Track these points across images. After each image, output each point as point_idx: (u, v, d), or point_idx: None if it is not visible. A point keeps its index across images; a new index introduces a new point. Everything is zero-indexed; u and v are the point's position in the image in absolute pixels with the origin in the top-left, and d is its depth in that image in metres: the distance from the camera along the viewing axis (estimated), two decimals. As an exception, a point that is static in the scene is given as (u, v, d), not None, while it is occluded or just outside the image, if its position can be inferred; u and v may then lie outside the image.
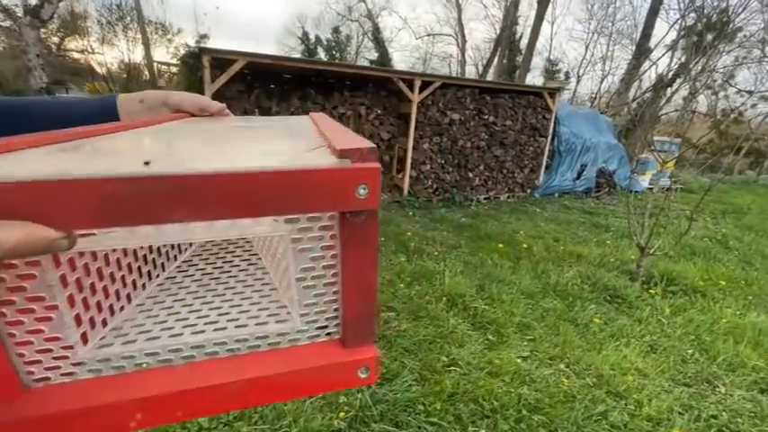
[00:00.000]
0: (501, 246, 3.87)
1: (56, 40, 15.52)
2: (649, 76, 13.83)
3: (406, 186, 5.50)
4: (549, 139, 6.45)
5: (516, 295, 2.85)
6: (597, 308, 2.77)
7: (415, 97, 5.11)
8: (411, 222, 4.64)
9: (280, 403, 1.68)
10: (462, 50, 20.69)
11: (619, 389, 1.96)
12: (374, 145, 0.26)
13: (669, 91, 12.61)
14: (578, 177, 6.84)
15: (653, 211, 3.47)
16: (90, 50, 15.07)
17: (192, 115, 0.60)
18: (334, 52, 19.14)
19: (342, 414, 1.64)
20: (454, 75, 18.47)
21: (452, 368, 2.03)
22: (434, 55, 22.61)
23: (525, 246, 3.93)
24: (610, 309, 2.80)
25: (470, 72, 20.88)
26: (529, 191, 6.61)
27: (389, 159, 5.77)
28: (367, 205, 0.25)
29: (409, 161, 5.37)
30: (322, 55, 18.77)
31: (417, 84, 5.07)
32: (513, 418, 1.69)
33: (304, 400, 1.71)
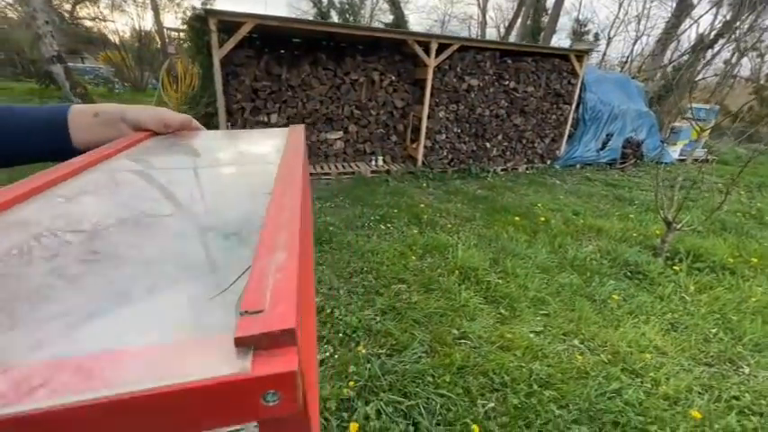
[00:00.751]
0: (517, 219, 3.75)
1: (68, 7, 15.34)
2: (689, 36, 12.68)
3: (420, 157, 5.34)
4: (574, 106, 6.06)
5: (531, 269, 2.78)
6: (616, 284, 2.68)
7: (432, 61, 4.83)
8: (425, 194, 4.54)
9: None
10: (483, 11, 19.38)
11: (635, 366, 1.90)
12: (292, 325, 0.17)
13: (710, 53, 11.57)
14: (603, 148, 6.48)
15: (683, 183, 3.25)
16: (101, 17, 14.86)
17: (156, 133, 0.54)
18: (347, 15, 18.25)
19: (351, 383, 1.66)
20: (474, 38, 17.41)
21: (463, 341, 2.01)
22: (453, 16, 21.31)
23: (543, 219, 3.79)
24: (630, 285, 2.70)
25: (491, 35, 19.65)
26: (549, 162, 6.34)
27: (404, 128, 5.58)
28: (281, 413, 0.17)
29: (424, 130, 5.18)
30: (335, 18, 17.95)
31: (434, 47, 4.77)
32: (523, 393, 1.67)
33: (320, 376, 1.73)
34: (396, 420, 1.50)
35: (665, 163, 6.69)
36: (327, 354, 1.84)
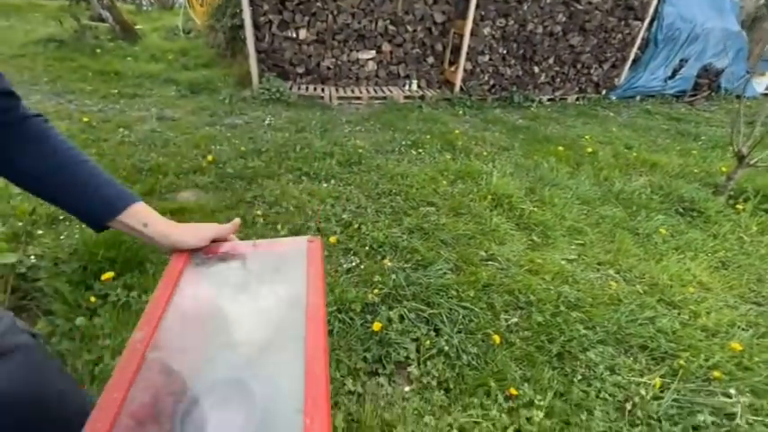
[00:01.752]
0: (560, 149, 3.45)
1: None
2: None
3: (458, 82, 4.90)
4: (647, 22, 5.15)
5: (571, 200, 2.60)
6: (665, 219, 2.47)
7: (481, -37, 4.14)
8: (460, 122, 4.24)
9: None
10: None
11: (674, 299, 1.80)
12: None
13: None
14: (673, 76, 5.62)
15: (765, 120, 2.77)
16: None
17: (199, 249, 0.60)
18: None
19: (376, 291, 1.70)
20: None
21: (490, 263, 1.97)
22: None
23: (590, 150, 3.46)
24: (681, 221, 2.48)
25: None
26: (604, 92, 5.64)
27: (442, 48, 5.06)
28: None
29: (465, 50, 4.66)
30: None
31: (485, -57, 4.04)
32: (549, 312, 1.64)
33: (340, 275, 1.78)
34: (417, 325, 1.54)
35: (747, 97, 5.77)
36: (353, 264, 1.88)
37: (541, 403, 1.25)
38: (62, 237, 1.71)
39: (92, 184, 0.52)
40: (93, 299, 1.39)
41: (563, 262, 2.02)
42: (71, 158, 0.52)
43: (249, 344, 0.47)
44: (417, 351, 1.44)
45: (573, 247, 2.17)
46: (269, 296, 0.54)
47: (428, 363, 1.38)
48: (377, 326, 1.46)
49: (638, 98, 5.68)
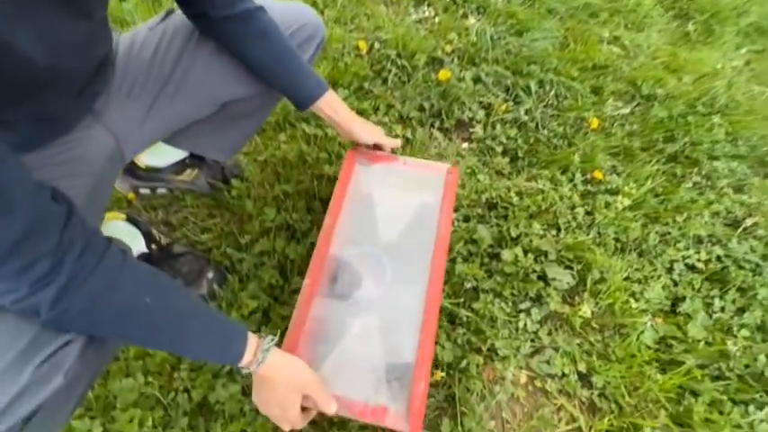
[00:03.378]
0: None
1: None
2: None
3: None
4: None
5: (769, -9, 1.70)
6: None
7: None
8: None
9: (376, 16, 1.38)
10: None
11: None
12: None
13: None
14: None
15: None
16: None
17: (364, 155, 0.75)
18: None
19: (449, 47, 1.31)
20: None
21: (611, 46, 1.43)
22: None
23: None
24: None
25: None
26: None
27: None
28: None
29: None
30: None
31: None
32: (677, 109, 1.21)
33: (406, 23, 1.38)
34: (493, 90, 1.21)
35: None
36: (426, 15, 1.44)
37: (631, 191, 0.99)
38: None
39: (300, 74, 0.64)
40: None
41: (719, 66, 1.42)
42: (286, 50, 0.61)
43: (389, 242, 0.66)
44: (487, 117, 1.16)
45: (743, 51, 1.50)
46: (409, 208, 0.70)
47: (497, 127, 1.12)
48: (443, 74, 1.15)
49: None
